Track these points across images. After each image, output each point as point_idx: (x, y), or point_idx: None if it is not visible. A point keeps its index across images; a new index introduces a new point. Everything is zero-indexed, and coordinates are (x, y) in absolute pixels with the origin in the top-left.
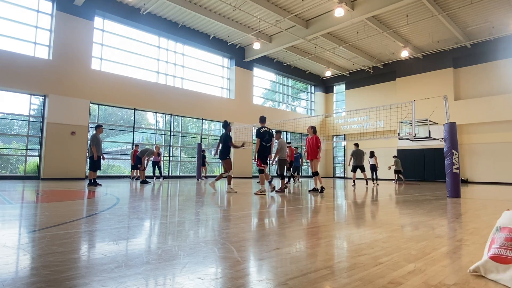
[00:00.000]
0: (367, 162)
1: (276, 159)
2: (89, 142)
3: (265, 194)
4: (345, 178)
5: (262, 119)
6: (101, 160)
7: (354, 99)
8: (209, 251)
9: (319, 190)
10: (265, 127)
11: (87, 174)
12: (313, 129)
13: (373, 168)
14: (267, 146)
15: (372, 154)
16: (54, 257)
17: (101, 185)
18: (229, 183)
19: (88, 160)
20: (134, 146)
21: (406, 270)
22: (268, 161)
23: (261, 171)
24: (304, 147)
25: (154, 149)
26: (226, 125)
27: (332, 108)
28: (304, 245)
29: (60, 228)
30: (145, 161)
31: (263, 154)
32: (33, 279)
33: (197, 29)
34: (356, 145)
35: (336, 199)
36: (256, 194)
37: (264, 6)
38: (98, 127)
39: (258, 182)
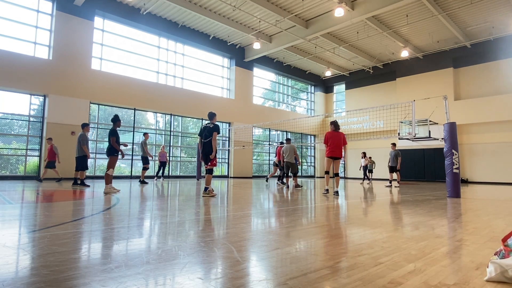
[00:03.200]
0: (360, 162)
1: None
2: (78, 141)
3: (213, 196)
4: (345, 178)
5: (209, 116)
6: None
7: (354, 99)
8: (209, 251)
9: (327, 192)
10: (209, 123)
11: (87, 174)
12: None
13: (366, 168)
14: (205, 143)
15: (364, 155)
16: (54, 257)
17: (89, 186)
18: (109, 182)
19: (76, 160)
20: (47, 140)
21: (406, 270)
22: (216, 160)
23: (209, 171)
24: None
25: (160, 149)
26: (116, 120)
27: (332, 108)
28: (304, 245)
29: (60, 228)
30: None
31: (202, 151)
32: (33, 279)
33: (197, 29)
34: (394, 145)
35: (336, 199)
36: (203, 196)
37: (264, 6)
38: (85, 126)
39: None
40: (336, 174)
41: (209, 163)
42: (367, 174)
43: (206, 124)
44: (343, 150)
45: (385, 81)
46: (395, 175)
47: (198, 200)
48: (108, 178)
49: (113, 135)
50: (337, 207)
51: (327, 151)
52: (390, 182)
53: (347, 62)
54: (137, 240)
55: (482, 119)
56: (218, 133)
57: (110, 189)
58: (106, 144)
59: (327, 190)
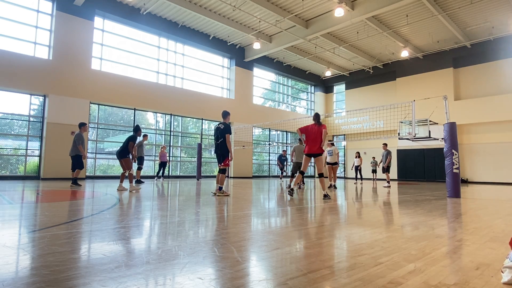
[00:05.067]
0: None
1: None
2: (74, 141)
3: (227, 195)
4: (345, 178)
5: (222, 114)
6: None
7: (354, 99)
8: (209, 251)
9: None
10: (221, 123)
11: (87, 174)
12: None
13: (358, 168)
14: (217, 144)
15: (358, 155)
16: (54, 257)
17: (80, 185)
18: (131, 181)
19: (71, 159)
20: None
21: (406, 270)
22: (228, 160)
23: (222, 171)
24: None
25: (161, 149)
26: (138, 129)
27: (332, 108)
28: (304, 245)
29: (60, 228)
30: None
31: (215, 151)
32: (33, 279)
33: (197, 29)
34: (385, 145)
35: (336, 199)
36: (218, 195)
37: (264, 6)
38: (83, 125)
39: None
40: (321, 175)
41: (222, 163)
42: (361, 173)
43: (218, 124)
44: (323, 139)
45: (385, 81)
46: (389, 175)
47: (198, 200)
48: (131, 178)
49: (133, 140)
50: (336, 207)
51: (305, 148)
52: (388, 182)
53: (347, 62)
54: (137, 240)
55: (482, 119)
56: (230, 133)
57: (133, 187)
58: (106, 144)
59: (292, 190)
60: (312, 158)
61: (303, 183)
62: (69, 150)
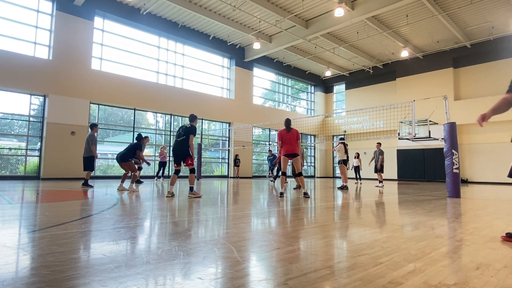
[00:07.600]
0: (353, 162)
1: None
2: (87, 141)
3: (199, 197)
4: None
5: (190, 118)
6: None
7: (354, 99)
8: (209, 251)
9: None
10: (188, 123)
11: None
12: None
13: (357, 168)
14: (177, 141)
15: (357, 155)
16: (54, 257)
17: (92, 186)
18: (132, 182)
19: (84, 160)
20: None
21: (406, 270)
22: (192, 160)
23: (192, 171)
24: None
25: (160, 149)
26: (141, 138)
27: (332, 108)
28: (304, 245)
29: (60, 228)
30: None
31: (173, 149)
32: (33, 279)
33: (197, 29)
34: (379, 144)
35: (336, 199)
36: (189, 196)
37: (264, 6)
38: (94, 126)
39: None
40: (299, 174)
41: (184, 163)
42: (359, 173)
43: (186, 124)
44: (298, 145)
45: (385, 81)
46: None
47: (198, 200)
48: (134, 178)
49: (139, 148)
50: (336, 207)
51: (282, 150)
52: (381, 182)
53: (347, 62)
54: (137, 240)
55: None
56: (194, 135)
57: (132, 188)
58: (106, 144)
59: (282, 193)
60: (291, 158)
61: None
62: (69, 150)
